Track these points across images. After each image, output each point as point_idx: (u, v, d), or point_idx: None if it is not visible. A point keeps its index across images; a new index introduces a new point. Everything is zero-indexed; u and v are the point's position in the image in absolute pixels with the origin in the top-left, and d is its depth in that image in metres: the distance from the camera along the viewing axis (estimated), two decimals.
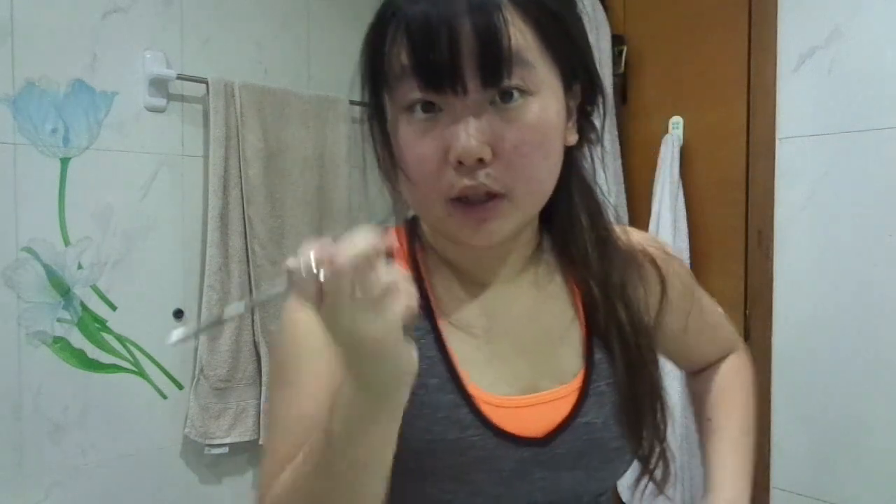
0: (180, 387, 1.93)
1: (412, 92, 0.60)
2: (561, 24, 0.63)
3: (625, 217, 2.04)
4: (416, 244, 0.74)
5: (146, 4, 1.85)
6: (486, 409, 0.67)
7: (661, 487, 0.74)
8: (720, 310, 0.90)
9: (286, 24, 2.14)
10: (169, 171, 1.91)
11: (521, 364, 0.70)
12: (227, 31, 2.02)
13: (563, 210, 0.72)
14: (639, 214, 2.04)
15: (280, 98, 2.06)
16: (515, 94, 0.60)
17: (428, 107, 0.61)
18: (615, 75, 2.06)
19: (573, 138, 0.68)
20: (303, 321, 0.68)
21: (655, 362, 0.73)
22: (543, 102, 0.62)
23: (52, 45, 1.70)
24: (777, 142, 1.80)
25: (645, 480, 0.74)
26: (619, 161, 2.04)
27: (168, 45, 1.90)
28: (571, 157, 0.70)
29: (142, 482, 1.87)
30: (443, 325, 0.69)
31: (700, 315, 0.83)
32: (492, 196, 0.62)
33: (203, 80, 1.92)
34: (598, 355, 0.72)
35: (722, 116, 1.91)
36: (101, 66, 1.78)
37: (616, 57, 2.06)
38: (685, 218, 1.93)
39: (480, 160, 0.60)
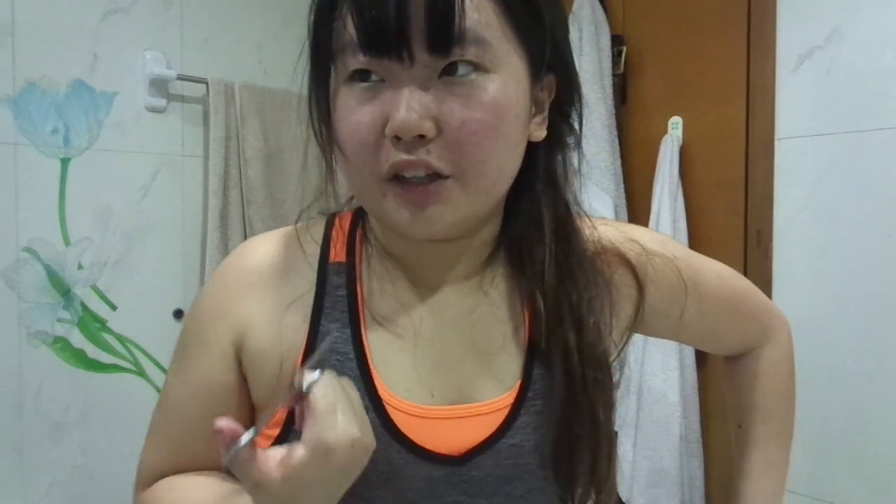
0: None
1: (355, 59, 0.55)
2: (531, 6, 0.57)
3: (624, 218, 2.04)
4: (358, 230, 0.68)
5: (146, 4, 1.86)
6: (397, 417, 0.60)
7: None
8: (752, 293, 0.82)
9: (286, 24, 2.14)
10: (169, 171, 1.91)
11: (451, 372, 0.63)
12: (227, 31, 2.02)
13: (524, 213, 0.64)
14: (638, 214, 2.04)
15: (280, 98, 2.06)
16: (467, 67, 0.54)
17: (371, 75, 0.55)
18: (615, 75, 2.05)
19: (540, 134, 0.62)
20: (207, 307, 0.67)
21: (606, 400, 0.64)
22: (500, 82, 0.55)
23: (52, 45, 1.70)
24: (776, 142, 1.79)
25: None
26: (619, 161, 2.03)
27: (168, 45, 1.90)
28: (540, 157, 0.63)
29: None
30: (366, 321, 0.63)
31: (702, 306, 0.74)
32: (435, 177, 0.55)
33: (203, 81, 1.93)
34: (539, 370, 0.64)
35: (721, 116, 1.91)
36: (101, 67, 1.78)
37: (616, 57, 2.06)
38: (685, 218, 1.93)
39: (421, 136, 0.53)
